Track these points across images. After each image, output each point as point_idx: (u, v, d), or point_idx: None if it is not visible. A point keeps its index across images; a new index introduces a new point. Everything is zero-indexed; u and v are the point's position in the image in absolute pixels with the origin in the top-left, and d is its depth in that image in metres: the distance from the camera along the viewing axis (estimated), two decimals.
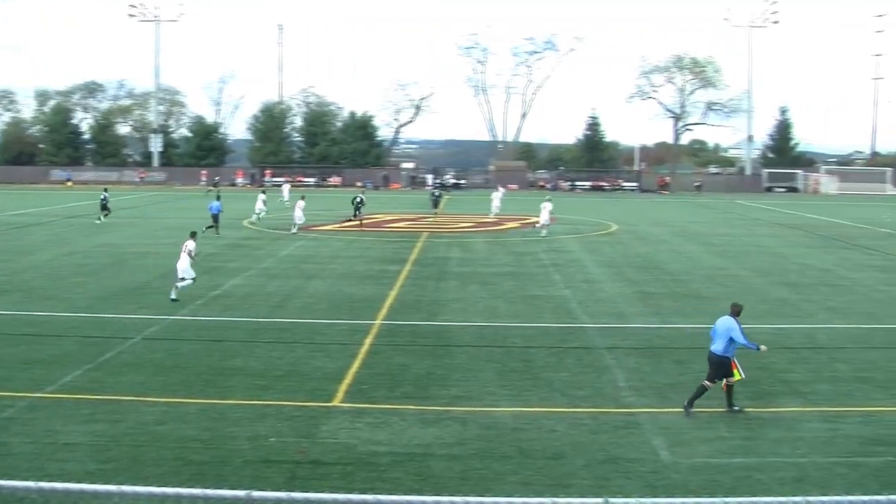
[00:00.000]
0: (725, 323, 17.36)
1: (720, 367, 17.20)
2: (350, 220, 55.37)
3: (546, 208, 52.11)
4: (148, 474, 13.57)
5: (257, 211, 56.95)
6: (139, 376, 19.25)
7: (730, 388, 17.37)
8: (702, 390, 17.21)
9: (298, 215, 50.19)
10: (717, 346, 17.26)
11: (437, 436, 15.63)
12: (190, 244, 29.13)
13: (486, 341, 23.25)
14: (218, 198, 52.55)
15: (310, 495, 8.68)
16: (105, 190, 59.68)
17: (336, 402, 17.57)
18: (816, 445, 15.56)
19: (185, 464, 14.15)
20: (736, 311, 17.61)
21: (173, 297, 28.06)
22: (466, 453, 14.76)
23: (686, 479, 13.67)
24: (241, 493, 8.66)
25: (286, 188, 75.03)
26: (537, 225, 52.14)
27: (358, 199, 55.76)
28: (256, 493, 8.48)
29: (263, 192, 61.42)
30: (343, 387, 18.59)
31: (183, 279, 28.49)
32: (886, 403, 18.21)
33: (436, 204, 65.32)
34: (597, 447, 15.19)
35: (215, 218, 49.04)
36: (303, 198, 53.46)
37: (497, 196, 65.09)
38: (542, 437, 15.63)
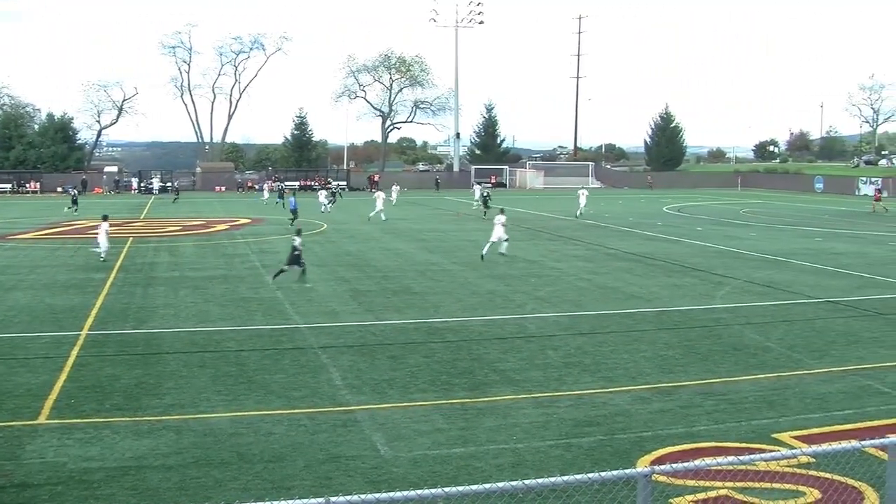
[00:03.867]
0: None
1: None
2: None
3: (584, 195, 66.08)
4: None
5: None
6: None
7: None
8: None
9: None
10: None
11: (152, 447, 15.08)
12: (502, 217, 39.45)
13: (198, 347, 22.71)
14: (294, 194, 66.72)
15: None
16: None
17: (42, 420, 16.65)
18: (531, 430, 16.02)
19: None
20: None
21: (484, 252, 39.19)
22: (184, 462, 14.31)
23: (407, 473, 13.78)
24: None
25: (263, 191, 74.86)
26: (580, 212, 63.85)
27: (486, 194, 67.67)
28: None
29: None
30: (49, 403, 17.64)
31: (502, 241, 39.67)
32: (595, 386, 19.00)
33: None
34: (316, 447, 15.08)
35: (294, 212, 58.26)
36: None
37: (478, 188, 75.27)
38: (260, 441, 15.37)
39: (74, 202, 69.98)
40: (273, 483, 13.44)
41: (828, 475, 13.35)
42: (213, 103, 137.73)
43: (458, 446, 15.17)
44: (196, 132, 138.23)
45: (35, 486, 13.39)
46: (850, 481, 13.01)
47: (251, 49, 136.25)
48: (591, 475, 8.11)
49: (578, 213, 65.15)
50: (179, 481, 13.52)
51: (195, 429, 16.04)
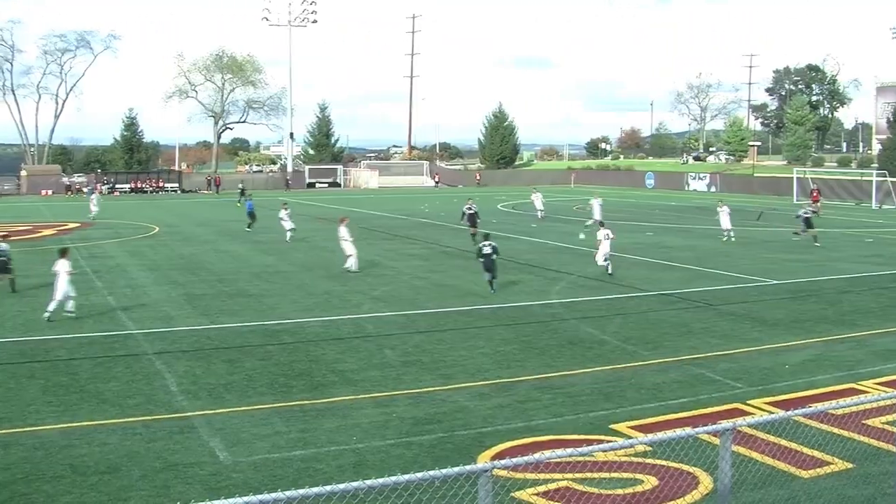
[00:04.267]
0: None
1: None
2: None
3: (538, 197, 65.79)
4: None
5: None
6: None
7: None
8: None
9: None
10: None
11: None
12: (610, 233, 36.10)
13: (26, 357, 21.90)
14: (250, 196, 64.69)
15: None
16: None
17: None
18: (372, 430, 15.98)
19: None
20: None
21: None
22: (12, 479, 13.73)
23: (247, 478, 13.57)
24: None
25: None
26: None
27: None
28: None
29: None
30: None
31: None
32: (433, 384, 19.07)
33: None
34: (153, 455, 14.71)
35: (251, 215, 55.75)
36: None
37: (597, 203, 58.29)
38: (94, 452, 14.90)
39: None
40: (109, 495, 13.06)
41: (664, 462, 13.72)
42: (38, 104, 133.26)
43: (298, 449, 15.03)
44: (21, 134, 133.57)
45: None
46: (685, 467, 13.35)
47: (77, 48, 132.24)
48: (432, 472, 8.12)
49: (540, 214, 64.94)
50: (7, 499, 13.01)
51: (24, 442, 15.46)
